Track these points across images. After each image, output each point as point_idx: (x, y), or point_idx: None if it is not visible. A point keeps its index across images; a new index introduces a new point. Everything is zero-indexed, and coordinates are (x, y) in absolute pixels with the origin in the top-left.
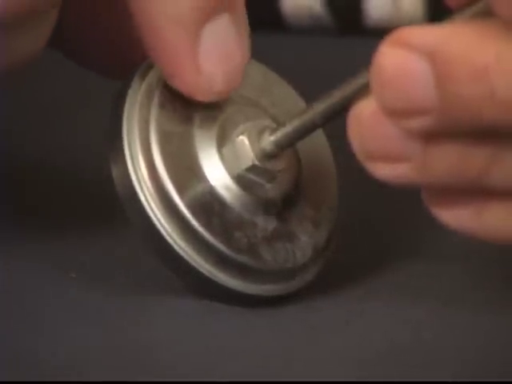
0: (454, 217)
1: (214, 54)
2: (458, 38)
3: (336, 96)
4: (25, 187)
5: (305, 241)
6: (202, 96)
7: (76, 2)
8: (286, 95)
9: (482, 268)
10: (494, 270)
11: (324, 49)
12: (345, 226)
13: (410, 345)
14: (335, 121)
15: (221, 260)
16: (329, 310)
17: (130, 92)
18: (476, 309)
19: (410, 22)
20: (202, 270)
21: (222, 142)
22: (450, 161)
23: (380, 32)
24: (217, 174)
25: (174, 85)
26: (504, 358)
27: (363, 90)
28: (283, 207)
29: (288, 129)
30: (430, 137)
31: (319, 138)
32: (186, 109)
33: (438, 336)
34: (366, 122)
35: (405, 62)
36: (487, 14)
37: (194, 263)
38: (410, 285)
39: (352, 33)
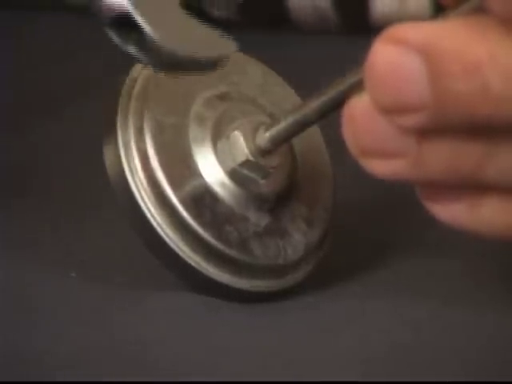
0: (448, 211)
1: None
2: (451, 35)
3: (330, 92)
4: (25, 187)
5: (297, 238)
6: None
7: None
8: (285, 95)
9: (482, 268)
10: (495, 269)
11: (329, 46)
12: (344, 225)
13: (410, 344)
14: (332, 119)
15: (210, 253)
16: (329, 309)
17: (126, 85)
18: (476, 309)
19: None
20: (190, 261)
21: (216, 136)
22: (444, 157)
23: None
24: (210, 167)
25: None
26: (504, 358)
27: (357, 87)
28: (276, 204)
29: (283, 125)
30: (425, 133)
31: (315, 137)
32: (182, 102)
33: (438, 336)
34: (360, 118)
35: (398, 59)
36: (480, 10)
37: (182, 254)
38: (410, 285)
39: (357, 30)
